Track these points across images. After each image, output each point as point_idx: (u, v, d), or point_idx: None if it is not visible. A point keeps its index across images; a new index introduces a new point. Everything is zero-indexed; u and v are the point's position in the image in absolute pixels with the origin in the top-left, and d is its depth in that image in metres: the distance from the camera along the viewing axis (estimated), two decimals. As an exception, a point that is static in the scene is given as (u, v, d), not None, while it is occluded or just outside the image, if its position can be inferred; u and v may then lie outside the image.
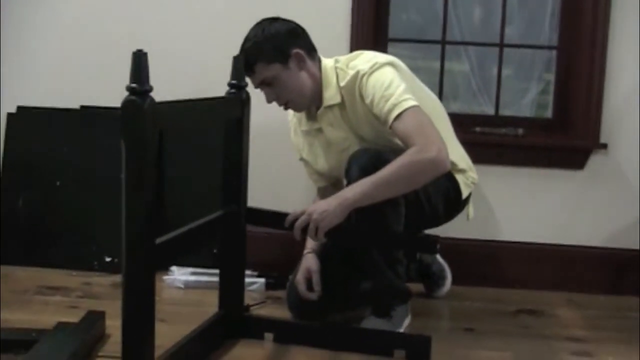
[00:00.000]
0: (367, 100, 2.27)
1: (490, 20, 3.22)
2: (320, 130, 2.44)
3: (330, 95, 2.35)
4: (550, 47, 3.15)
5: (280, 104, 2.38)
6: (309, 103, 2.41)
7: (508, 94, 3.21)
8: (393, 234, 2.24)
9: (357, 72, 2.29)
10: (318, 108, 2.40)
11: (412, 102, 2.20)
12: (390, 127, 2.21)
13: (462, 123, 2.88)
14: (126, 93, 1.64)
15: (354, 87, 2.30)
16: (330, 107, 2.36)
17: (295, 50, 2.32)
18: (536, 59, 3.25)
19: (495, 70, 3.15)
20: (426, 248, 2.37)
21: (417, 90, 2.39)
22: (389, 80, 2.25)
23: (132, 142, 1.64)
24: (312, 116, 2.45)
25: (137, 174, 1.65)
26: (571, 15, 3.01)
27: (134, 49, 1.66)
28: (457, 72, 3.30)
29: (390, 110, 2.20)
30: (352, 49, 2.83)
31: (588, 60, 2.91)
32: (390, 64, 2.32)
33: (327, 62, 2.39)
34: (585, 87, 2.92)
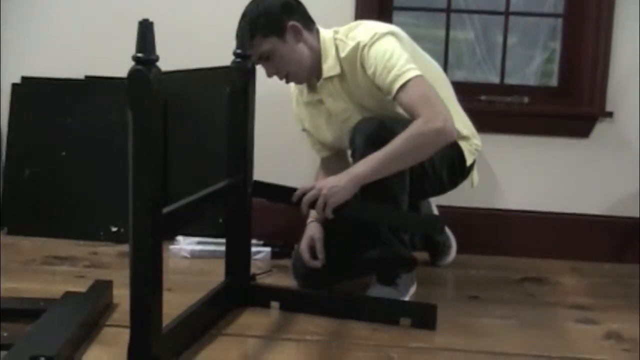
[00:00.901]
0: (369, 72, 2.26)
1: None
2: (321, 101, 2.44)
3: (330, 67, 2.35)
4: (556, 15, 3.13)
5: (280, 78, 2.39)
6: (309, 75, 2.41)
7: (513, 62, 3.19)
8: (400, 213, 2.24)
9: (358, 44, 2.28)
10: (318, 79, 2.39)
11: (415, 72, 2.20)
12: (394, 98, 2.21)
13: (467, 91, 2.88)
14: (131, 63, 1.64)
15: (355, 59, 2.29)
16: (330, 78, 2.36)
17: (291, 23, 2.32)
18: (541, 27, 3.23)
19: (499, 38, 3.13)
20: (432, 230, 2.38)
21: (419, 58, 2.38)
22: (390, 51, 2.24)
23: (139, 111, 1.64)
24: (312, 88, 2.45)
25: (144, 143, 1.65)
26: (577, -17, 2.99)
27: (139, 18, 1.65)
28: (461, 40, 3.28)
29: (393, 81, 2.20)
30: (356, 18, 2.82)
31: (594, 27, 2.90)
32: (391, 33, 2.30)
33: (325, 33, 2.39)
34: (591, 55, 2.90)
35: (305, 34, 2.35)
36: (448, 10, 3.09)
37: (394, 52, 2.23)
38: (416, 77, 2.19)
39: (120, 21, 2.86)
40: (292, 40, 2.33)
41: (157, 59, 1.65)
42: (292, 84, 2.53)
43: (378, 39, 2.27)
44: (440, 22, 3.11)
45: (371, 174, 2.13)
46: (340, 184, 2.12)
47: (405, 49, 2.27)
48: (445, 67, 3.04)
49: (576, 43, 3.00)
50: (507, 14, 3.07)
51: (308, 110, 2.53)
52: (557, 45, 3.14)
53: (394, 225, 2.28)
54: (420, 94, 2.18)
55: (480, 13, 3.23)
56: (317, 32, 2.39)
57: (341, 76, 2.35)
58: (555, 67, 3.15)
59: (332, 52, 2.34)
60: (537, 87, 3.18)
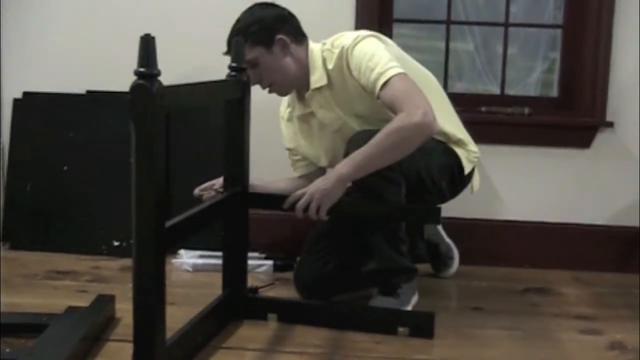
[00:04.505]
0: (355, 73, 2.29)
1: (494, -1, 3.21)
2: (312, 114, 2.46)
3: (317, 78, 2.38)
4: (556, 26, 3.14)
5: (263, 87, 2.42)
6: (292, 87, 2.46)
7: (512, 73, 3.20)
8: (395, 205, 2.24)
9: (342, 48, 2.32)
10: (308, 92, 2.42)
11: (397, 70, 2.22)
12: (378, 97, 2.23)
13: (468, 102, 2.89)
14: (132, 77, 1.65)
15: (342, 64, 2.32)
16: (318, 89, 2.39)
17: (280, 36, 2.36)
18: (540, 37, 3.24)
19: (499, 49, 3.14)
20: (428, 218, 2.38)
21: (407, 62, 2.40)
22: (372, 50, 2.27)
23: (142, 125, 1.64)
24: (303, 100, 2.47)
25: (147, 157, 1.65)
26: (577, -7, 3.00)
27: (139, 33, 1.66)
28: (461, 51, 3.29)
29: (376, 80, 2.22)
30: (357, 29, 2.82)
31: (594, 38, 2.90)
32: (373, 36, 2.35)
33: (314, 46, 2.42)
34: (591, 66, 2.91)
35: (294, 48, 2.39)
36: (448, 22, 3.10)
37: (375, 52, 2.26)
38: (398, 74, 2.21)
39: (121, 36, 2.89)
40: (279, 52, 2.37)
41: (159, 73, 1.65)
42: (284, 101, 2.58)
43: (360, 40, 2.30)
44: (440, 34, 3.12)
45: (355, 171, 2.15)
46: (329, 186, 2.15)
47: (388, 50, 2.30)
48: (445, 78, 3.05)
49: (576, 53, 3.01)
50: (506, 25, 3.08)
51: (301, 125, 2.55)
52: (557, 55, 3.15)
53: (390, 218, 2.29)
54: (401, 90, 2.19)
55: (480, 24, 3.23)
56: (307, 46, 2.42)
57: (329, 86, 2.37)
58: (555, 78, 3.16)
59: (319, 63, 2.38)
60: (538, 98, 3.19)
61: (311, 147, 2.55)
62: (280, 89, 2.45)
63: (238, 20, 2.38)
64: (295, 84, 2.44)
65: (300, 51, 2.41)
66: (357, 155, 2.15)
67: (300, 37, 2.42)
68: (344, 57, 2.31)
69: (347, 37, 2.35)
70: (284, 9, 2.43)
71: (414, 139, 2.16)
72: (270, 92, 2.45)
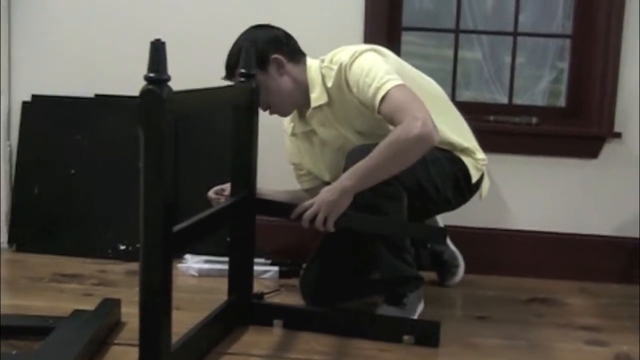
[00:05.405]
0: (354, 90, 2.28)
1: (502, 8, 3.21)
2: (313, 131, 2.47)
3: (316, 97, 2.37)
4: (564, 36, 3.14)
5: (263, 109, 2.41)
6: (292, 107, 2.46)
7: (520, 82, 3.20)
8: (401, 223, 2.25)
9: (340, 66, 2.31)
10: (309, 110, 2.42)
11: (393, 82, 2.21)
12: (379, 112, 2.22)
13: (476, 112, 2.89)
14: (140, 81, 1.65)
15: (341, 82, 2.32)
16: (319, 107, 2.38)
17: (275, 56, 2.36)
18: (548, 46, 3.24)
19: (507, 58, 3.14)
20: (434, 239, 2.38)
21: (408, 72, 2.40)
22: (368, 66, 2.26)
23: (151, 131, 1.65)
24: (304, 118, 2.48)
25: (156, 162, 1.66)
26: (586, 3, 2.99)
27: (148, 37, 1.68)
28: (469, 59, 3.29)
29: (374, 95, 2.21)
30: (365, 38, 2.84)
31: (602, 48, 2.90)
32: (372, 50, 2.33)
33: (312, 63, 2.41)
34: (600, 76, 2.90)
35: (290, 67, 2.39)
36: (456, 31, 3.10)
37: (372, 67, 2.25)
38: (395, 86, 2.20)
39: (130, 40, 2.90)
40: (275, 72, 2.37)
41: (169, 78, 1.66)
42: (285, 120, 2.57)
43: (357, 56, 2.29)
44: (449, 42, 3.13)
45: (359, 183, 2.15)
46: (334, 197, 2.16)
47: (387, 63, 2.29)
48: (453, 87, 3.05)
49: (584, 63, 3.01)
50: (515, 34, 3.08)
51: (303, 142, 2.56)
52: (565, 65, 3.15)
53: (396, 234, 2.29)
54: (399, 102, 2.18)
55: (489, 33, 3.23)
56: (305, 64, 2.42)
57: (329, 104, 2.37)
58: (563, 87, 3.16)
59: (319, 81, 2.37)
60: (546, 108, 3.19)
61: (314, 164, 2.56)
62: (280, 110, 2.45)
63: (235, 43, 2.38)
64: (294, 103, 2.44)
65: (297, 70, 2.40)
66: (360, 166, 2.15)
67: (297, 56, 2.42)
68: (342, 74, 2.30)
69: (346, 53, 2.33)
70: (279, 30, 2.43)
71: (414, 149, 2.15)
72: (271, 113, 2.44)
